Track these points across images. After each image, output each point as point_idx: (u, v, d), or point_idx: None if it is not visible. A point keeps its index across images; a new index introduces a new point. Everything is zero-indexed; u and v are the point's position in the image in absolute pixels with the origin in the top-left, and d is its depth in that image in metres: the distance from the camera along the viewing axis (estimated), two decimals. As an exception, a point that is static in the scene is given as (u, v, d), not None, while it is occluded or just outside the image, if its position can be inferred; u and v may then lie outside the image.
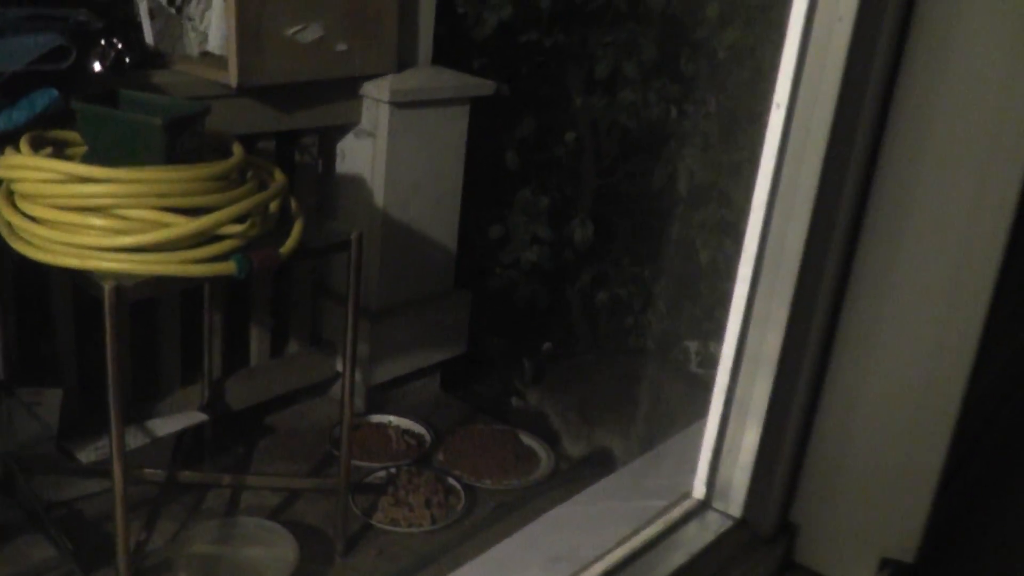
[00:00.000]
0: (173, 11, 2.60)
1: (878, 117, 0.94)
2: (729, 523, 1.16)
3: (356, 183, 3.03)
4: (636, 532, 1.11)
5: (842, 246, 1.00)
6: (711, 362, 3.33)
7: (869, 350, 1.05)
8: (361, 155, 3.00)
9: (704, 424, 1.47)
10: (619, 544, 1.09)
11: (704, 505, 1.18)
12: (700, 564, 1.09)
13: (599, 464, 3.10)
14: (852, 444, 1.10)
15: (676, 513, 1.15)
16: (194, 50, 2.64)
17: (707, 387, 3.23)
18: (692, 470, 1.26)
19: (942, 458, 1.02)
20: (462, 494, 2.85)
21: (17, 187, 1.91)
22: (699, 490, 1.19)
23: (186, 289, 2.64)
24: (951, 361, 0.99)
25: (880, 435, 1.08)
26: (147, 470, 2.63)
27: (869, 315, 1.04)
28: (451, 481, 2.90)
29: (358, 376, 2.97)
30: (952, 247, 0.96)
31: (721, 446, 1.15)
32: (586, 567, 1.06)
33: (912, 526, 1.07)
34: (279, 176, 2.15)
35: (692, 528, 1.14)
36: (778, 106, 0.96)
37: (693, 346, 3.42)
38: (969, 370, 0.97)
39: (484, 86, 3.11)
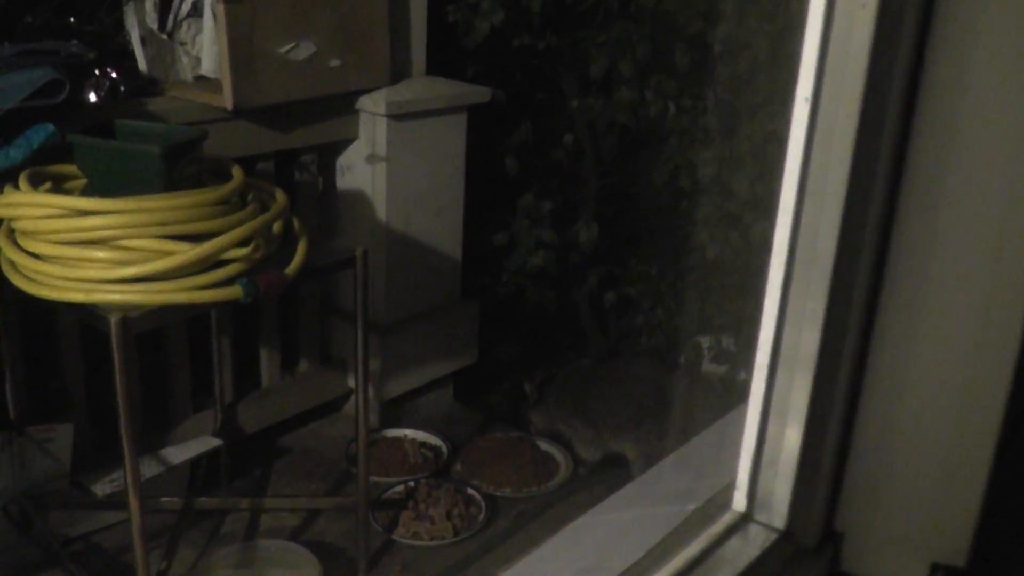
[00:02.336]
0: (165, 37, 2.58)
1: (906, 104, 0.92)
2: (773, 536, 1.12)
3: (357, 198, 3.02)
4: (671, 542, 1.09)
5: (875, 240, 0.98)
6: (725, 356, 3.31)
7: (908, 345, 1.02)
8: (361, 170, 2.98)
9: (723, 425, 1.45)
10: (661, 559, 1.06)
11: (746, 518, 1.15)
12: (747, 580, 1.06)
13: (617, 466, 3.08)
14: (895, 444, 1.07)
15: (718, 528, 1.12)
16: (188, 75, 2.63)
17: (718, 385, 3.21)
18: (715, 472, 1.24)
19: (990, 453, 0.99)
20: (482, 504, 2.83)
21: (18, 225, 1.89)
22: (740, 502, 1.16)
23: (193, 315, 2.62)
24: (994, 351, 0.96)
25: (923, 435, 1.05)
26: (163, 499, 2.62)
27: (906, 309, 1.01)
28: (470, 491, 2.88)
29: (371, 392, 2.95)
30: (989, 233, 0.93)
31: (760, 455, 1.12)
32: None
33: (962, 528, 1.03)
34: (280, 197, 2.13)
35: (735, 543, 1.11)
36: (805, 100, 0.93)
37: (706, 341, 3.40)
38: (1014, 358, 0.94)
39: (480, 93, 3.10)
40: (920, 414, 1.04)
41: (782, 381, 1.07)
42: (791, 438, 1.08)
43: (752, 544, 1.12)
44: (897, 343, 1.03)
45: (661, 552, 1.09)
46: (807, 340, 1.03)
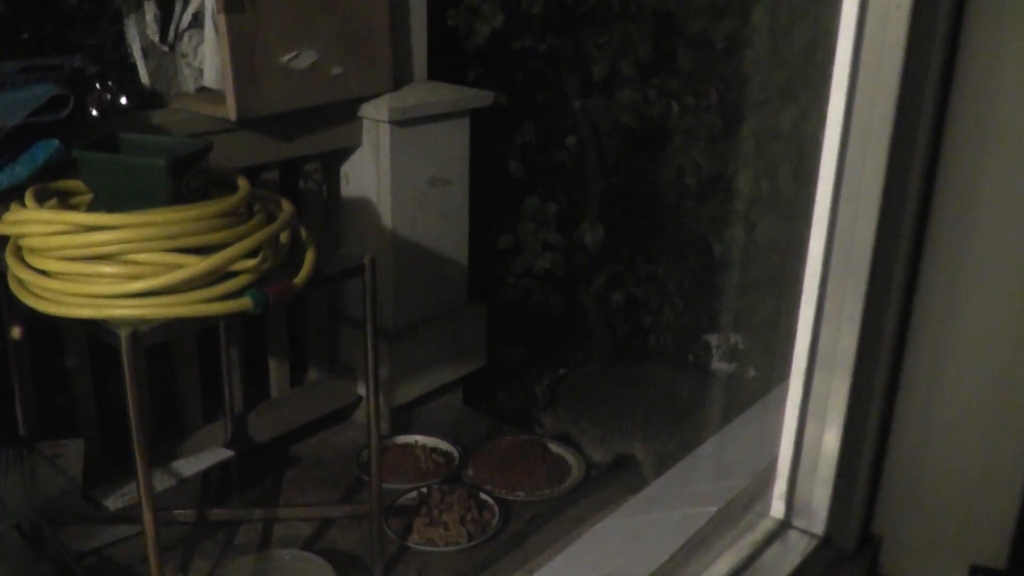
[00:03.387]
0: (166, 48, 2.58)
1: (940, 107, 0.91)
2: (814, 543, 1.11)
3: (363, 205, 3.01)
4: (696, 543, 1.08)
5: (910, 244, 0.96)
6: (733, 354, 3.31)
7: (944, 347, 1.01)
8: (365, 177, 2.98)
9: (740, 424, 1.44)
10: (688, 561, 1.05)
11: (784, 525, 1.14)
12: (789, 589, 1.05)
13: (628, 467, 3.07)
14: (932, 447, 1.06)
15: (757, 536, 1.11)
16: (190, 86, 2.62)
17: (727, 383, 3.20)
18: (735, 472, 1.23)
19: (1028, 455, 0.99)
20: (496, 508, 2.82)
21: (25, 242, 1.89)
22: (778, 509, 1.14)
23: (203, 327, 2.61)
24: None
25: (960, 434, 1.03)
26: (176, 511, 2.61)
27: (942, 311, 1.00)
28: (483, 496, 2.87)
29: (380, 398, 2.95)
30: (1024, 233, 0.92)
31: (798, 462, 1.10)
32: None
33: (1001, 529, 1.02)
34: (287, 206, 2.13)
35: (775, 551, 1.10)
36: (841, 105, 0.92)
37: (714, 339, 3.40)
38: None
39: (482, 97, 3.09)
40: (957, 416, 1.03)
41: (819, 387, 1.06)
42: (829, 443, 1.07)
43: (792, 551, 1.11)
44: (933, 346, 1.01)
45: (686, 555, 1.08)
46: (844, 346, 1.02)
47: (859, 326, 1.00)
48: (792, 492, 1.13)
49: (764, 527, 1.13)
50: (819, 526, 1.12)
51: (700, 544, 1.11)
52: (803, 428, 1.09)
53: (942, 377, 1.03)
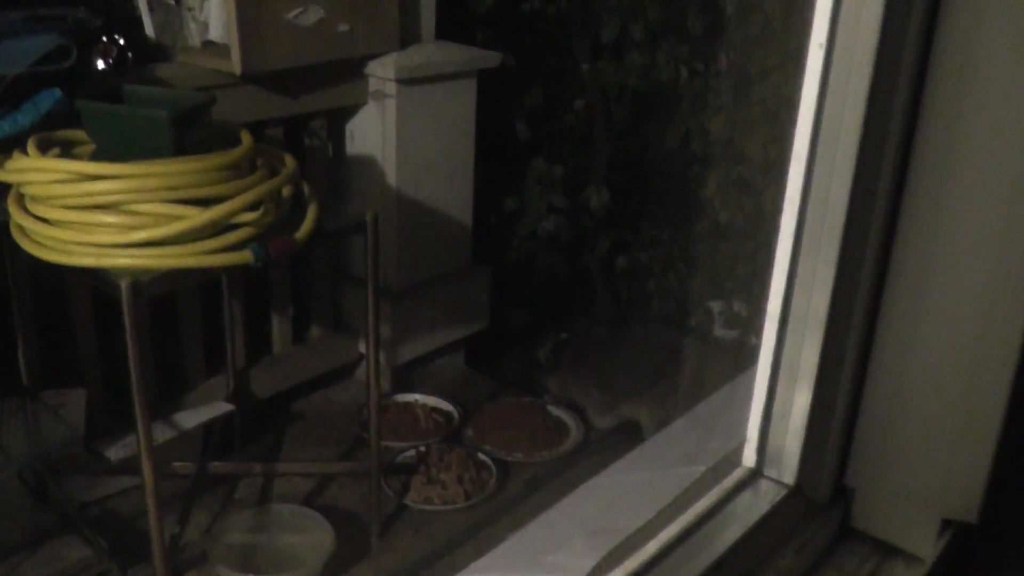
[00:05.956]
0: (172, 2, 2.57)
1: (922, 51, 0.90)
2: (783, 491, 1.12)
3: (367, 163, 3.01)
4: (682, 502, 1.09)
5: (888, 192, 0.96)
6: (735, 321, 3.31)
7: (920, 304, 1.01)
8: (371, 135, 2.98)
9: (735, 387, 1.45)
10: (671, 518, 1.06)
11: (756, 474, 1.14)
12: (757, 535, 1.05)
13: (628, 432, 3.08)
14: (906, 402, 1.06)
15: (728, 483, 1.12)
16: (196, 40, 2.61)
17: (728, 349, 3.21)
18: (726, 433, 1.24)
19: (1002, 411, 0.98)
20: (494, 469, 2.84)
21: (27, 190, 1.89)
22: (750, 458, 1.15)
23: (205, 281, 2.62)
24: (1006, 310, 0.95)
25: (935, 391, 1.04)
26: (177, 464, 2.63)
27: (919, 267, 1.00)
28: (482, 456, 2.89)
29: (382, 357, 2.95)
30: (1003, 188, 0.91)
31: (770, 411, 1.11)
32: (640, 543, 1.03)
33: (974, 484, 1.03)
34: (289, 162, 2.13)
35: (745, 498, 1.11)
36: (820, 46, 0.91)
37: (716, 306, 3.39)
38: (1026, 317, 0.93)
39: (490, 58, 3.08)
40: (931, 370, 1.03)
41: (793, 336, 1.06)
42: (801, 394, 1.08)
43: (762, 499, 1.12)
44: (909, 298, 1.01)
45: (673, 512, 1.09)
46: (818, 295, 1.02)
47: (833, 276, 1.00)
48: (764, 441, 1.13)
49: (736, 475, 1.14)
50: (790, 476, 1.13)
51: (687, 501, 1.12)
52: (776, 377, 1.09)
53: (917, 332, 1.03)
